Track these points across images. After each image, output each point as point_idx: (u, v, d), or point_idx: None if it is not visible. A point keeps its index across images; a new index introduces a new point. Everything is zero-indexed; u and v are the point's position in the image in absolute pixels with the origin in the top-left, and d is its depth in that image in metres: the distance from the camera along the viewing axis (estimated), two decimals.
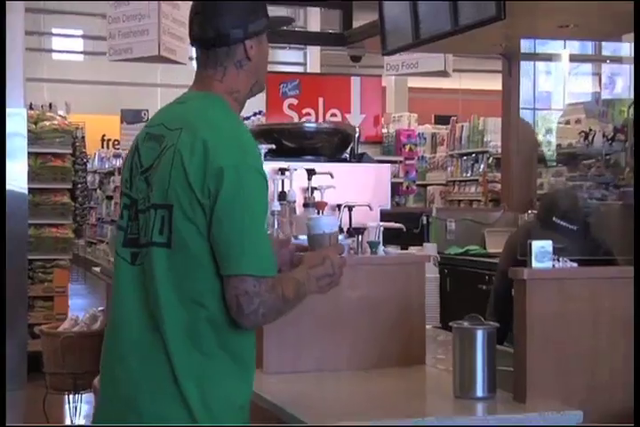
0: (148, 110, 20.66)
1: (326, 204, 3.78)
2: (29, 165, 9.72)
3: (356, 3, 9.68)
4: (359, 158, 4.27)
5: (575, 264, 3.21)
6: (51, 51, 28.64)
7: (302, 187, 3.98)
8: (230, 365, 2.67)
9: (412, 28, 7.52)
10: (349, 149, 4.29)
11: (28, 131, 9.81)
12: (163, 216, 2.63)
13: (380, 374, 3.49)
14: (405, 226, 5.38)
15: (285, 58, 26.86)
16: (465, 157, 12.96)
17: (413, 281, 3.74)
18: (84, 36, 28.88)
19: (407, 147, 12.31)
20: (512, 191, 8.94)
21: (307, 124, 3.96)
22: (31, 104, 12.40)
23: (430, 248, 4.92)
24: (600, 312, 3.14)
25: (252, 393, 2.79)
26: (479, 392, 3.08)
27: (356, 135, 4.37)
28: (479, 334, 3.10)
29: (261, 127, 3.95)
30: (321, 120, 10.64)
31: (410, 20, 7.51)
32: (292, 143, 4.10)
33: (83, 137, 12.12)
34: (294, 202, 3.87)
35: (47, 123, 11.28)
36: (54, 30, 28.03)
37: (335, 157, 4.19)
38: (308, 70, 23.30)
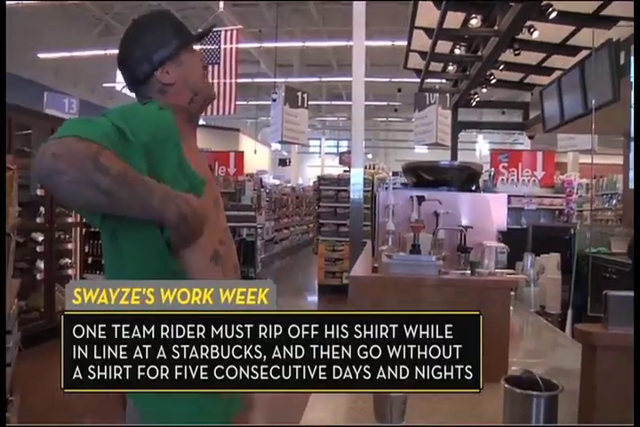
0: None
1: (423, 227, 1.90)
2: None
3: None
4: (483, 189, 2.42)
5: None
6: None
7: (432, 211, 2.18)
8: None
9: (559, 115, 5.62)
10: (476, 182, 2.50)
11: (365, 178, 8.39)
12: None
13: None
14: (562, 235, 5.11)
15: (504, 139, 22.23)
16: (604, 196, 10.29)
17: (498, 305, 1.61)
18: None
19: (568, 190, 10.09)
20: (627, 215, 6.81)
21: (442, 162, 2.27)
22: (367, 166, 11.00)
23: (554, 257, 2.90)
24: None
25: None
26: None
27: (484, 172, 2.54)
28: (534, 402, 1.05)
29: (409, 164, 2.18)
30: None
31: (558, 110, 5.57)
32: (430, 176, 2.39)
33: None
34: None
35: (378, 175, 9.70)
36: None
37: (464, 188, 2.40)
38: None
